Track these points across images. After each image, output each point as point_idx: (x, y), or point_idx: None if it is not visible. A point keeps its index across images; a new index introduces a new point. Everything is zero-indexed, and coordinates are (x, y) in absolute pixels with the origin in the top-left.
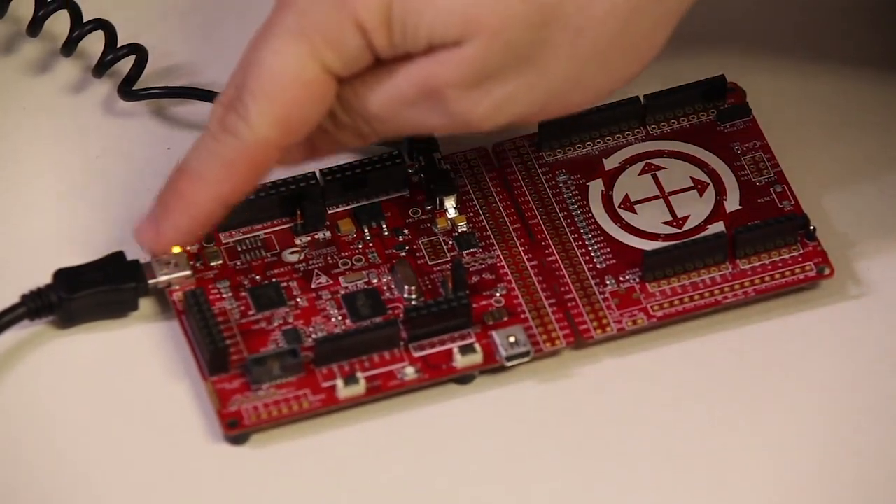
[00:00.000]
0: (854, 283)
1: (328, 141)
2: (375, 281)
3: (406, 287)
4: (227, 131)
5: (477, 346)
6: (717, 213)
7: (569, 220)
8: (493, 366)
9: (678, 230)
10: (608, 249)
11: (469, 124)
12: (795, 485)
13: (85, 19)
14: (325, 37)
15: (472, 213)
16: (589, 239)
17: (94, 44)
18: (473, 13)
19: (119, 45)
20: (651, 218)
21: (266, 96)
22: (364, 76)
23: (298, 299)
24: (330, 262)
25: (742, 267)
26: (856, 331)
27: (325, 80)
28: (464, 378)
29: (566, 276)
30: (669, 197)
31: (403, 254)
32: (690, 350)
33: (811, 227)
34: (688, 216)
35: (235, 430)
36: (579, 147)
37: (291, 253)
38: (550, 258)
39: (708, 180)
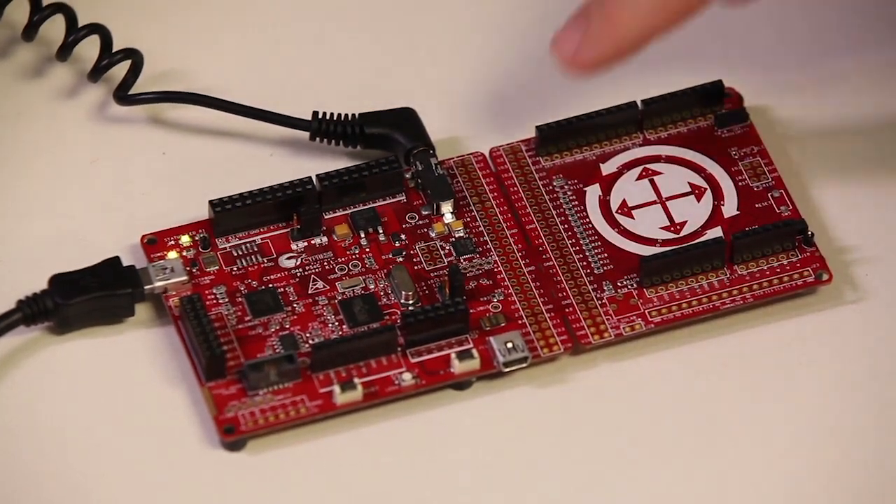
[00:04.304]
0: (852, 289)
1: None
2: (372, 286)
3: (403, 292)
4: None
5: (474, 352)
6: (715, 218)
7: (566, 226)
8: (490, 371)
9: (676, 235)
10: (606, 255)
11: None
12: (793, 490)
13: (80, 24)
14: None
15: (469, 219)
16: (586, 244)
17: (90, 48)
18: None
19: (114, 50)
20: (649, 223)
21: None
22: None
23: (295, 305)
24: (327, 267)
25: (740, 272)
26: (854, 336)
27: None
28: (461, 384)
29: (564, 281)
30: (667, 202)
31: (400, 259)
32: (688, 356)
33: (809, 233)
34: (685, 221)
35: (232, 436)
36: (576, 152)
37: (288, 258)
38: (548, 263)
39: (705, 185)
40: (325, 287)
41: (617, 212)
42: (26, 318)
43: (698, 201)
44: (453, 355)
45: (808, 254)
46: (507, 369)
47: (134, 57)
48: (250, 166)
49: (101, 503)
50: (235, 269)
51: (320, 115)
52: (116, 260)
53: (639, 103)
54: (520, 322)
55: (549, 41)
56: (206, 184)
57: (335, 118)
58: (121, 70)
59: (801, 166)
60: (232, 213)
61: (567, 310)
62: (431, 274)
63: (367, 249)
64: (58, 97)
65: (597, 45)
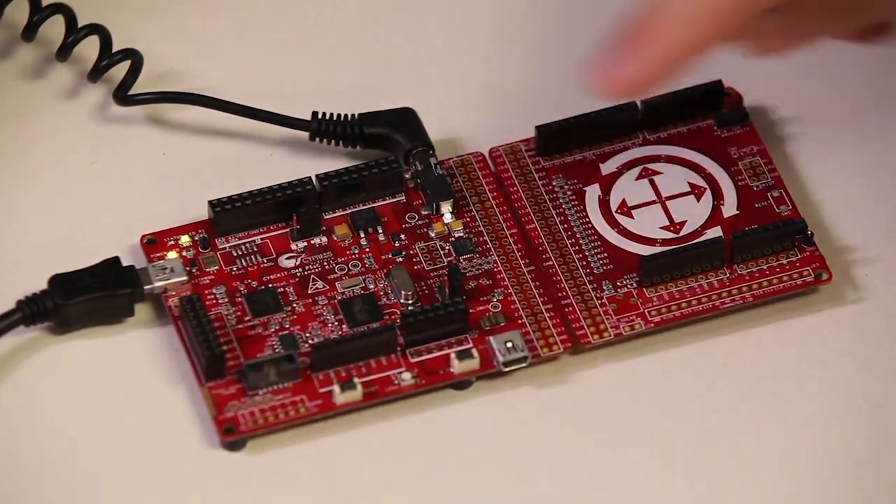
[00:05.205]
0: (852, 289)
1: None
2: (372, 286)
3: (403, 292)
4: None
5: (474, 352)
6: (715, 217)
7: (566, 225)
8: (490, 371)
9: (675, 235)
10: (605, 254)
11: None
12: (793, 490)
13: (80, 24)
14: None
15: (468, 218)
16: (586, 244)
17: (89, 49)
18: None
19: (114, 51)
20: (648, 223)
21: None
22: None
23: (295, 305)
24: (326, 267)
25: (740, 272)
26: (854, 336)
27: None
28: (461, 383)
29: (563, 281)
30: (667, 202)
31: (400, 259)
32: (688, 355)
33: (809, 232)
34: (685, 221)
35: (232, 436)
36: (576, 152)
37: (288, 258)
38: (547, 263)
39: (705, 185)
40: (324, 287)
41: (617, 211)
42: (26, 318)
43: (698, 201)
44: (453, 355)
45: (807, 253)
46: (507, 369)
47: (133, 57)
48: (250, 166)
49: (101, 503)
50: (235, 269)
51: (320, 116)
52: (116, 260)
53: (638, 103)
54: (520, 322)
55: (549, 41)
56: (206, 184)
57: (335, 118)
58: (120, 70)
59: (801, 166)
60: (232, 213)
61: (567, 309)
62: (431, 274)
63: (367, 249)
64: (58, 97)
65: (645, 56)
